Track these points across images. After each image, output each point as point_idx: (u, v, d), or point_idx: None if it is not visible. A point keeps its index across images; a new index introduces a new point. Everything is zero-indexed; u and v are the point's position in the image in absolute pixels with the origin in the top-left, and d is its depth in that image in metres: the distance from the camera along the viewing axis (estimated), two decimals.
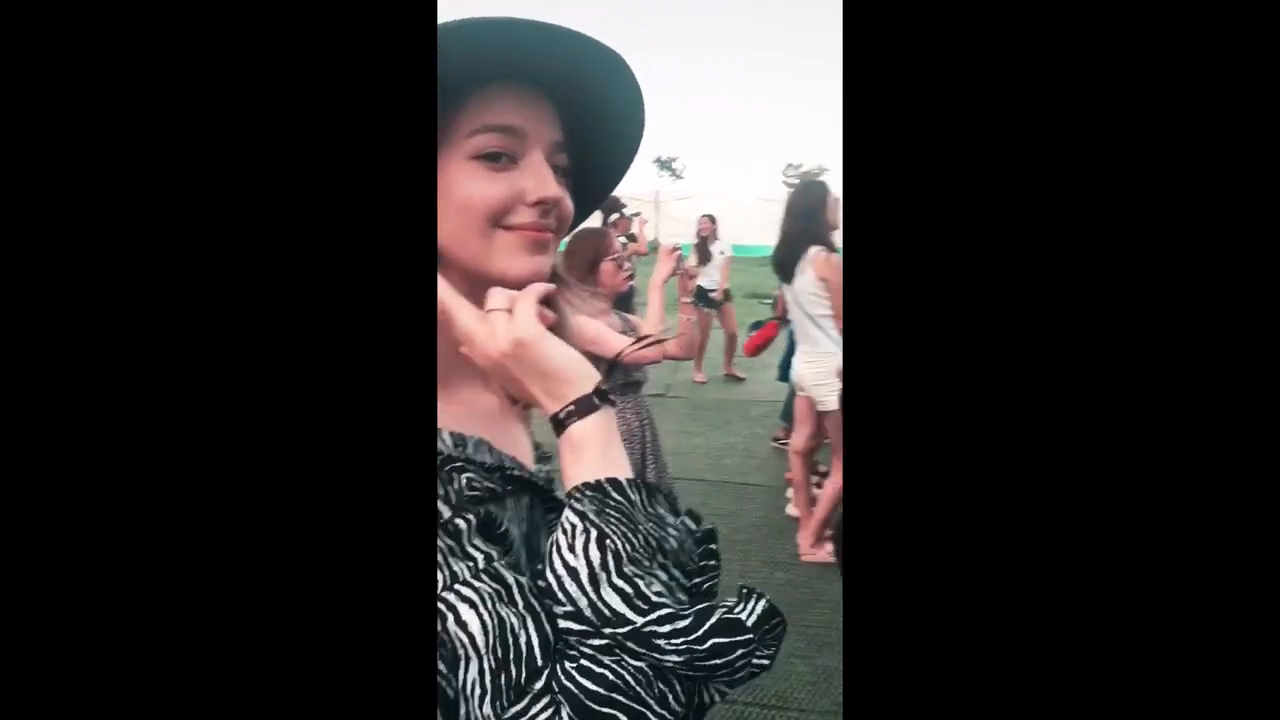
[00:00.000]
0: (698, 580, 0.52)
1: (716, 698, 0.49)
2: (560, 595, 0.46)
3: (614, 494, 0.49)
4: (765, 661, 0.49)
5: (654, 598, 0.46)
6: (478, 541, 0.48)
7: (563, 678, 0.45)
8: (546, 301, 0.53)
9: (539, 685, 0.45)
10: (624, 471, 0.51)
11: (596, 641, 0.46)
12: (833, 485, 3.20)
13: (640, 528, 0.48)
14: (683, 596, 0.49)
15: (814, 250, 3.08)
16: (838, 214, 3.26)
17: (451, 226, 0.53)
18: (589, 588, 0.46)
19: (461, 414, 0.56)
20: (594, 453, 0.50)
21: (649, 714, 0.45)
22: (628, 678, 0.45)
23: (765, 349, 4.68)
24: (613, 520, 0.48)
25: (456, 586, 0.46)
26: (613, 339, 1.92)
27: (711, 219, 6.46)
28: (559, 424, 0.51)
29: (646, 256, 6.42)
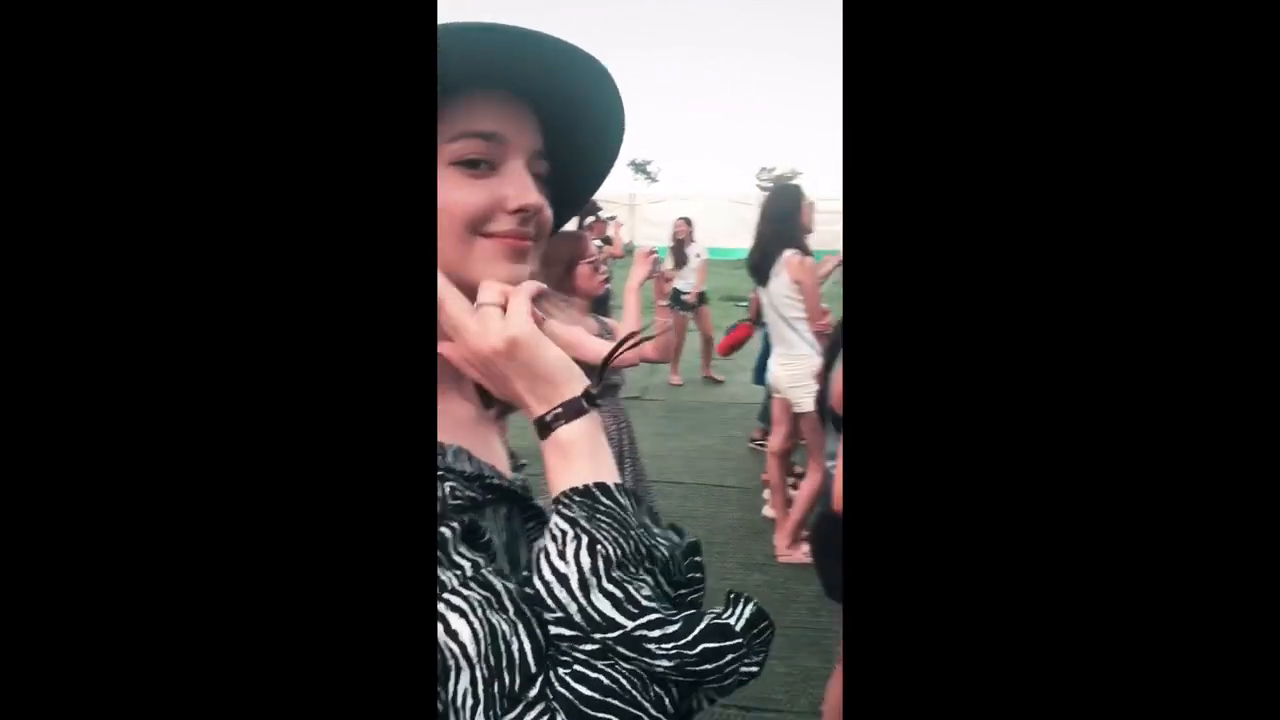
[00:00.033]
0: (684, 592, 0.52)
1: (705, 704, 0.49)
2: (550, 602, 0.46)
3: (604, 499, 0.49)
4: (754, 669, 0.48)
5: (644, 602, 0.46)
6: (463, 549, 0.47)
7: (556, 684, 0.44)
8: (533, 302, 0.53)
9: (533, 693, 0.44)
10: (612, 476, 0.50)
11: (588, 647, 0.45)
12: (809, 486, 3.22)
13: (631, 533, 0.48)
14: (669, 606, 0.49)
15: (788, 253, 3.11)
16: (812, 218, 3.29)
17: None
18: (579, 593, 0.46)
19: (439, 422, 0.56)
20: (582, 457, 0.50)
21: (644, 718, 0.44)
22: (623, 681, 0.45)
23: (739, 349, 4.71)
24: (604, 525, 0.48)
25: (445, 595, 0.45)
26: (590, 343, 1.92)
27: (688, 222, 6.47)
28: (545, 427, 0.51)
29: (622, 259, 6.43)
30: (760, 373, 4.19)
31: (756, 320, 4.10)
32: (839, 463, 1.60)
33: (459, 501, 0.50)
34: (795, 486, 3.59)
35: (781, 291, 3.15)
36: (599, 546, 0.47)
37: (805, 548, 3.18)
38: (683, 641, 0.45)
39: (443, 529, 0.47)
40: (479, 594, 0.46)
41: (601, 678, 0.45)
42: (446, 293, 0.51)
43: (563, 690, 0.44)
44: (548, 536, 0.48)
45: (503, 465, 0.61)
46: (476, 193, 0.53)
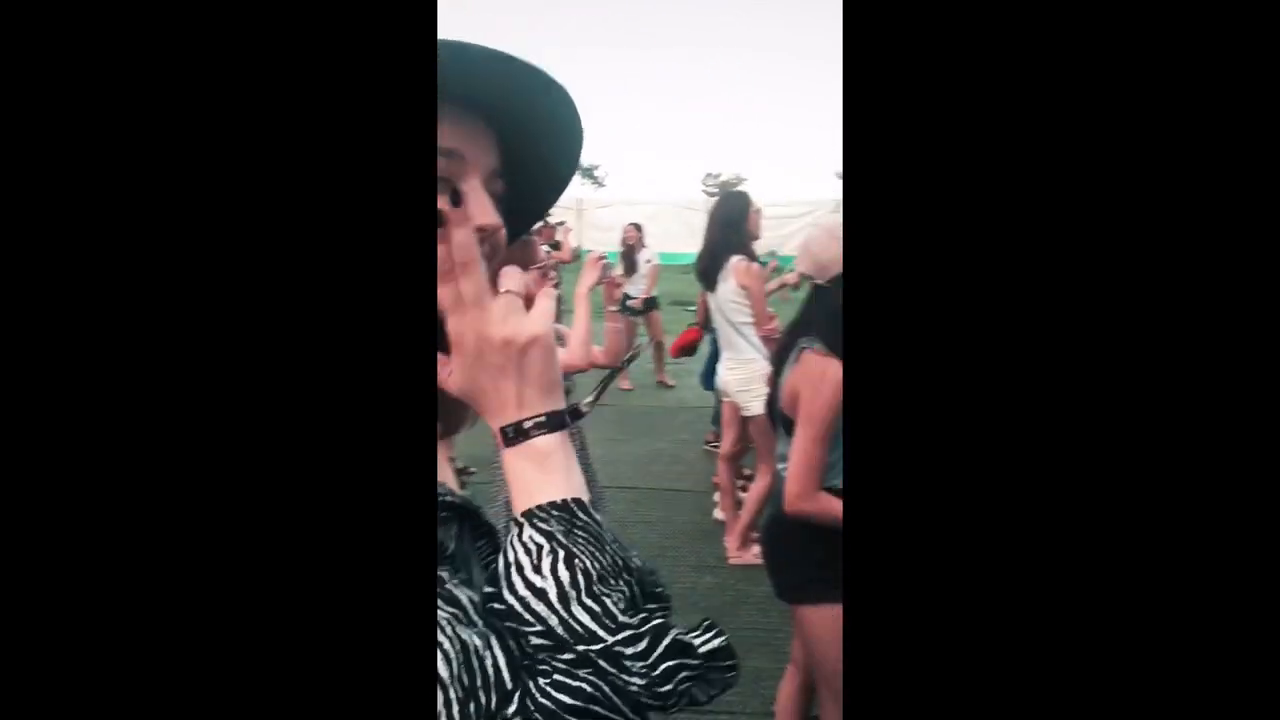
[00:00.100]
0: (653, 606, 0.51)
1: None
2: (527, 616, 0.45)
3: (580, 514, 0.48)
4: (703, 698, 0.48)
5: (620, 618, 0.45)
6: None
7: (537, 695, 0.43)
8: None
9: (512, 709, 0.43)
10: (585, 493, 0.50)
11: (567, 656, 0.44)
12: (758, 489, 3.27)
13: (607, 548, 0.48)
14: (641, 615, 0.48)
15: (735, 259, 3.15)
16: (759, 224, 3.34)
17: None
18: (558, 605, 0.45)
19: None
20: (559, 468, 0.49)
21: None
22: (605, 689, 0.44)
23: (691, 353, 4.75)
24: (581, 540, 0.47)
25: None
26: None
27: (638, 227, 6.48)
28: (522, 433, 0.49)
29: (571, 264, 6.41)
30: (708, 377, 4.23)
31: (705, 324, 4.14)
32: (789, 465, 1.63)
33: None
34: (745, 489, 3.62)
35: (729, 297, 3.19)
36: (577, 561, 0.46)
37: (756, 549, 3.22)
38: (649, 660, 0.45)
39: None
40: (446, 610, 0.45)
41: (584, 685, 0.44)
42: (475, 266, 0.48)
43: (544, 701, 0.43)
44: (519, 550, 0.47)
45: (452, 482, 0.61)
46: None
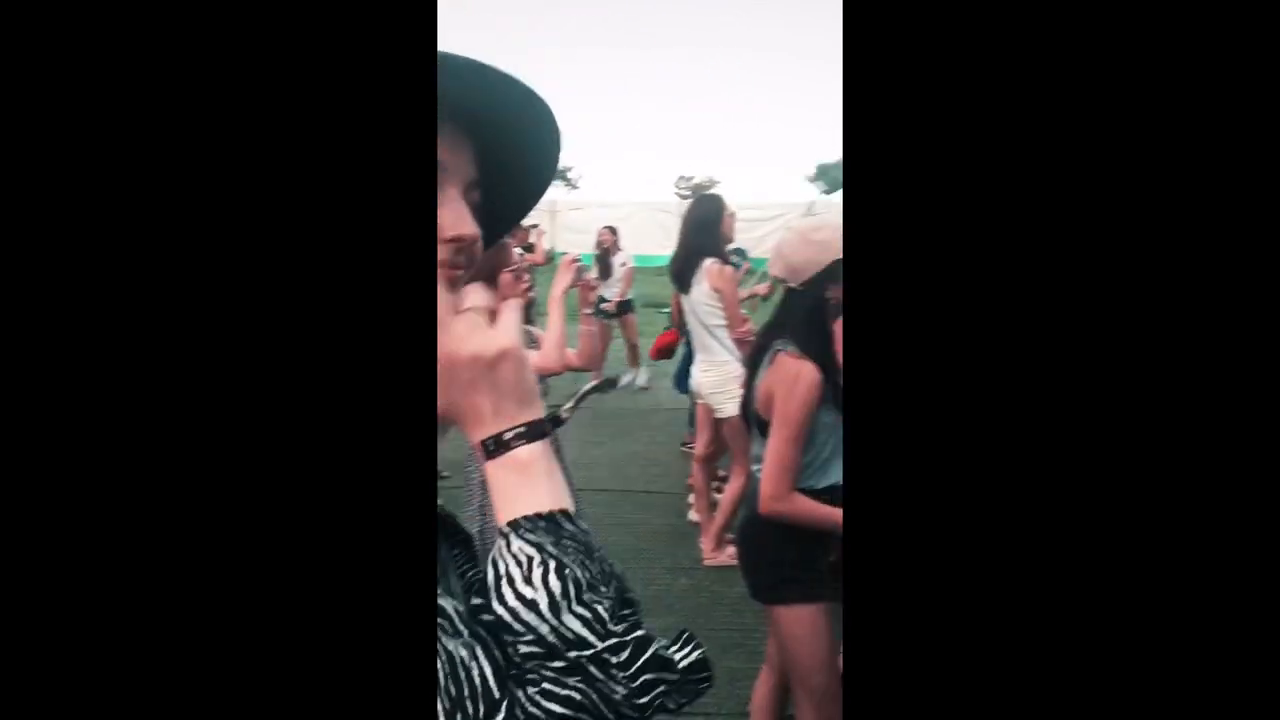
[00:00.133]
0: (626, 612, 0.52)
1: None
2: (517, 626, 0.45)
3: (567, 525, 0.48)
4: (672, 705, 0.48)
5: (610, 625, 0.46)
6: None
7: (526, 704, 0.43)
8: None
9: (500, 718, 0.43)
10: (570, 502, 0.50)
11: (557, 664, 0.45)
12: (732, 490, 3.28)
13: (595, 555, 0.48)
14: (626, 625, 0.49)
15: (708, 262, 3.16)
16: (732, 227, 3.36)
17: None
18: (549, 615, 0.45)
19: None
20: (542, 476, 0.49)
21: None
22: (593, 695, 0.44)
23: (669, 354, 4.76)
24: (570, 550, 0.47)
25: None
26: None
27: (612, 230, 6.47)
28: (502, 444, 0.49)
29: (544, 267, 6.39)
30: (682, 380, 4.24)
31: (682, 326, 4.16)
32: (764, 466, 1.64)
33: None
34: (720, 491, 3.64)
35: (702, 300, 3.20)
36: (567, 570, 0.46)
37: (731, 550, 3.23)
38: (630, 670, 0.45)
39: None
40: None
41: (573, 694, 0.44)
42: (441, 286, 0.49)
43: (533, 710, 0.43)
44: (509, 561, 0.46)
45: None
46: None
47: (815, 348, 1.61)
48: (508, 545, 0.47)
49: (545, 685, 0.44)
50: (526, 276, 2.39)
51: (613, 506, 4.01)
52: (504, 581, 0.46)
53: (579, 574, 0.46)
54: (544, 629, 0.45)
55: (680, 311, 3.72)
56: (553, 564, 0.46)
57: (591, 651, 0.45)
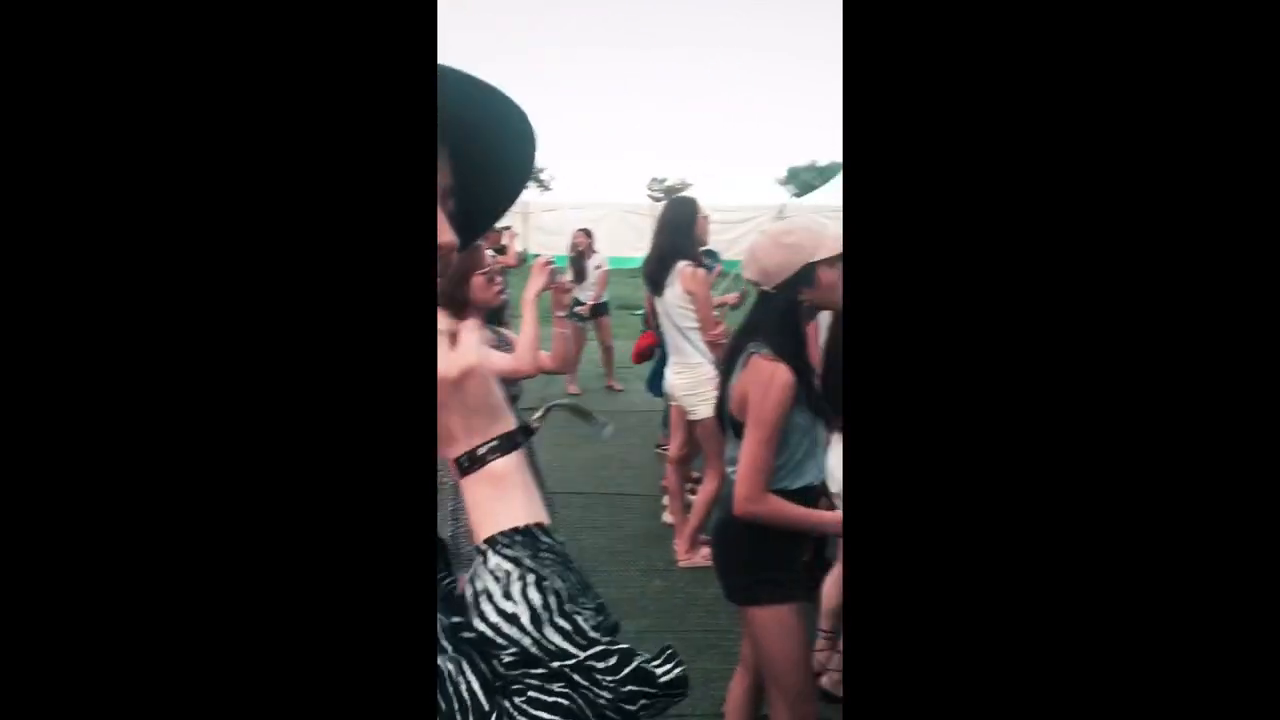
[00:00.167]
0: (603, 619, 0.52)
1: None
2: (500, 640, 0.45)
3: (543, 537, 0.49)
4: (645, 718, 0.49)
5: (590, 633, 0.46)
6: None
7: (515, 713, 0.44)
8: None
9: None
10: (545, 515, 0.51)
11: (540, 671, 0.45)
12: (706, 491, 3.29)
13: (572, 566, 0.49)
14: (610, 636, 0.49)
15: (681, 264, 3.17)
16: (706, 229, 3.37)
17: None
18: (531, 628, 0.45)
19: None
20: (517, 489, 0.50)
21: None
22: (579, 700, 0.45)
23: (650, 357, 4.76)
24: (548, 563, 0.48)
25: None
26: (498, 360, 1.90)
27: (588, 233, 6.44)
28: (476, 460, 0.50)
29: (517, 268, 6.35)
30: (653, 382, 4.25)
31: (655, 328, 4.16)
32: (738, 468, 1.65)
33: None
34: (694, 492, 3.65)
35: (675, 302, 3.21)
36: (546, 583, 0.47)
37: (705, 551, 3.24)
38: (617, 677, 0.46)
39: None
40: None
41: (560, 700, 0.45)
42: None
43: (522, 718, 0.44)
44: (488, 578, 0.47)
45: None
46: None
47: (789, 350, 1.62)
48: (485, 562, 0.48)
49: (531, 694, 0.45)
50: (499, 279, 2.37)
51: (587, 509, 4.00)
52: (483, 598, 0.47)
53: (559, 585, 0.47)
54: (526, 641, 0.45)
55: (654, 314, 3.72)
56: (531, 577, 0.47)
57: (574, 661, 0.45)
